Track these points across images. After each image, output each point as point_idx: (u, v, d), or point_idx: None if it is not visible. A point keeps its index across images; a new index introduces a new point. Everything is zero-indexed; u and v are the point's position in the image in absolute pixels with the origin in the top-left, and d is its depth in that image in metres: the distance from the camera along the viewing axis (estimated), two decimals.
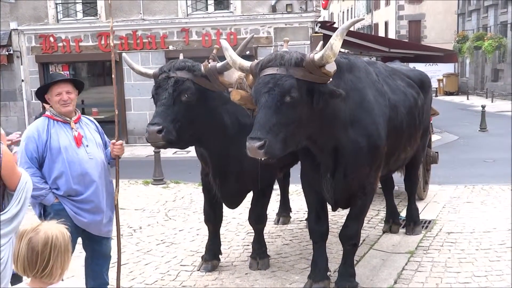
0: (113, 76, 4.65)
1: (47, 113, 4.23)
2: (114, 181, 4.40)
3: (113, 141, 4.30)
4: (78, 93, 4.27)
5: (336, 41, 3.80)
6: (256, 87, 3.98)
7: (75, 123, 4.19)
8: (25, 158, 4.03)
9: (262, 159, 3.87)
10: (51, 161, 4.07)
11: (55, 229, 2.39)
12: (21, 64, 16.78)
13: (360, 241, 5.77)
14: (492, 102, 27.01)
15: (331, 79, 4.04)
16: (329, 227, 5.21)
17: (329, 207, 5.13)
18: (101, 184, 4.22)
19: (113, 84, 4.66)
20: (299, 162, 5.33)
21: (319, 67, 3.91)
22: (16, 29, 16.60)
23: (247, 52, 12.99)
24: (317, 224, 5.01)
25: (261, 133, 3.78)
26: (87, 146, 4.17)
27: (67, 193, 4.09)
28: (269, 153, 3.80)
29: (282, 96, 3.85)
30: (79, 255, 4.57)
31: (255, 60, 4.31)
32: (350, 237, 4.94)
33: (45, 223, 2.43)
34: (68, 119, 4.16)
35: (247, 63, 4.30)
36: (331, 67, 3.95)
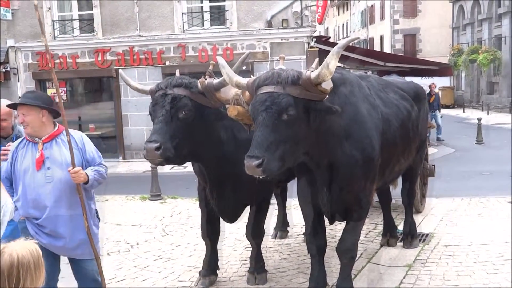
0: (58, 100, 4.30)
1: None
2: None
3: (69, 168, 3.99)
4: (54, 115, 4.16)
5: (332, 60, 3.85)
6: (254, 105, 4.01)
7: (46, 142, 4.08)
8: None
9: (260, 177, 3.89)
10: (15, 183, 4.11)
11: (21, 248, 2.34)
12: (18, 81, 16.82)
13: (358, 255, 5.78)
14: (488, 114, 27.14)
15: (327, 96, 4.08)
16: (327, 241, 5.21)
17: (326, 220, 5.13)
18: (59, 208, 4.04)
19: (60, 107, 4.23)
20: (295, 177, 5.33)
21: (316, 85, 3.95)
22: (13, 46, 16.68)
23: (243, 67, 13.05)
24: (314, 238, 5.01)
25: (259, 151, 3.81)
26: (48, 168, 4.04)
27: (25, 216, 4.08)
28: (267, 171, 3.83)
29: (280, 114, 3.88)
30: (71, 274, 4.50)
31: (251, 76, 4.34)
32: (347, 250, 4.94)
33: (10, 244, 2.37)
34: (37, 139, 4.08)
35: (243, 80, 4.33)
36: (327, 85, 3.99)
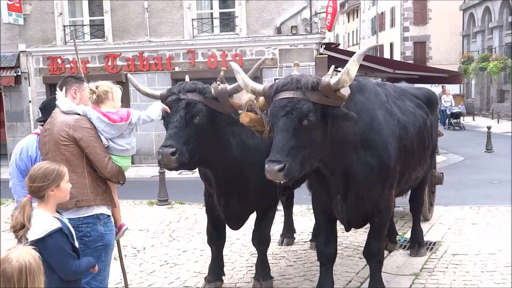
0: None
1: (37, 130, 4.37)
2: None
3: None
4: None
5: (352, 67, 3.89)
6: (273, 110, 4.02)
7: None
8: (16, 171, 4.27)
9: (282, 182, 3.90)
10: None
11: (26, 254, 2.44)
12: (29, 85, 16.97)
13: (363, 264, 5.76)
14: (498, 123, 26.96)
15: (344, 102, 4.09)
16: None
17: (341, 226, 5.15)
18: None
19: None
20: (301, 184, 5.33)
21: (334, 91, 3.97)
22: (24, 51, 16.83)
23: None
24: (325, 246, 5.01)
25: (280, 156, 3.82)
26: None
27: None
28: (289, 176, 3.84)
29: (300, 119, 3.90)
30: None
31: (265, 82, 4.36)
32: (374, 254, 5.05)
33: (14, 251, 2.47)
34: None
35: (259, 86, 4.36)
36: (346, 91, 4.02)
